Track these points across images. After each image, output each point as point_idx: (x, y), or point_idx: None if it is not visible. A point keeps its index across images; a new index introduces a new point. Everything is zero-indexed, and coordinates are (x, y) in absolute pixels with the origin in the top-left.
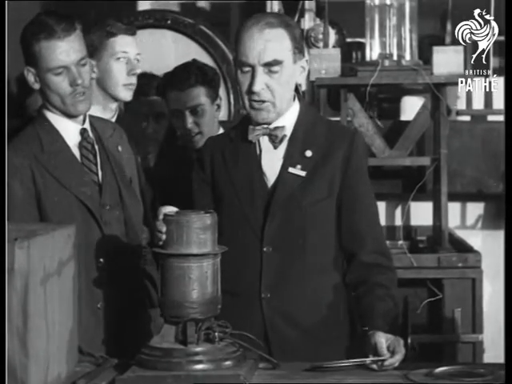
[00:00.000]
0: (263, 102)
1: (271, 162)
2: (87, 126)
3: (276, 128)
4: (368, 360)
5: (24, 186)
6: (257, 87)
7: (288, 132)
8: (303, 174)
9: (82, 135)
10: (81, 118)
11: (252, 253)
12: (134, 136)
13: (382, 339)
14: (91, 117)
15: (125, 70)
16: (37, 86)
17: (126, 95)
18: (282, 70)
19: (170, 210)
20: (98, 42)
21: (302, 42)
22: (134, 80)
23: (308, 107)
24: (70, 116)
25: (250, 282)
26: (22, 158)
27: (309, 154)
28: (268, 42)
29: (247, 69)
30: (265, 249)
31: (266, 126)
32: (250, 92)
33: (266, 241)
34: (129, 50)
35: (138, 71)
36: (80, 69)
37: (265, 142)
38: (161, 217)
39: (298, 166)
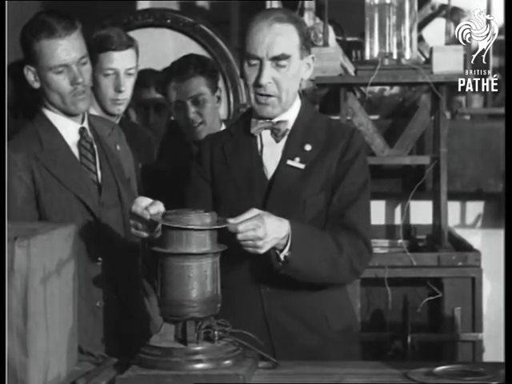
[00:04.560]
0: (269, 96)
1: (272, 155)
2: (86, 124)
3: (279, 122)
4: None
5: (23, 184)
6: (264, 80)
7: (290, 126)
8: (302, 166)
9: (80, 134)
10: (80, 116)
11: None
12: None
13: (254, 210)
14: (90, 115)
15: (112, 86)
16: (37, 85)
17: (115, 110)
18: (289, 65)
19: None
20: (90, 55)
21: (309, 39)
22: (122, 96)
23: (308, 104)
24: (69, 115)
25: (250, 275)
26: (21, 156)
27: (308, 147)
28: (277, 36)
29: (255, 62)
30: None
31: (268, 119)
32: (257, 85)
33: None
34: (116, 66)
35: (123, 88)
36: (80, 67)
37: (266, 135)
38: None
39: (297, 159)
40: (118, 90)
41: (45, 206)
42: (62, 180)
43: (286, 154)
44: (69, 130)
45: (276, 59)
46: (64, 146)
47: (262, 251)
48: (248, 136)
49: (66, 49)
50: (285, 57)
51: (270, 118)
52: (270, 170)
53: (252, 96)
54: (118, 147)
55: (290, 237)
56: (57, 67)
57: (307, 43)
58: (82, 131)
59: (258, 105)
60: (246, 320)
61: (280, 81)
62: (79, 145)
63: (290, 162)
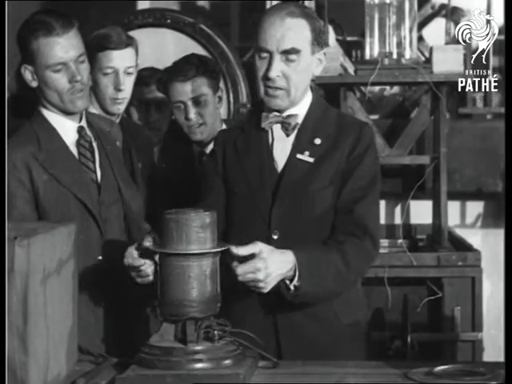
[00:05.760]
0: (278, 89)
1: (282, 149)
2: (84, 123)
3: (289, 116)
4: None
5: (22, 185)
6: (273, 73)
7: (300, 120)
8: (311, 160)
9: (79, 133)
10: (78, 115)
11: (260, 239)
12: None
13: (258, 245)
14: (88, 113)
15: (111, 85)
16: (34, 84)
17: (114, 109)
18: (299, 59)
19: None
20: (89, 54)
21: (322, 35)
22: (121, 95)
23: (319, 98)
24: (67, 113)
25: None
26: (19, 157)
27: (318, 141)
28: (288, 31)
29: (265, 55)
30: (273, 236)
31: (279, 114)
32: (266, 78)
33: (273, 225)
34: (116, 65)
35: (123, 87)
36: (78, 65)
37: (277, 130)
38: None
39: (307, 153)
40: (117, 89)
41: (44, 206)
42: (61, 180)
43: (296, 147)
44: (67, 130)
45: (286, 53)
46: (62, 145)
47: (265, 291)
48: (259, 131)
49: (64, 47)
50: (295, 51)
51: (279, 111)
52: (280, 164)
53: (262, 89)
54: (117, 143)
55: (297, 267)
56: (55, 65)
57: (319, 39)
58: (80, 130)
59: (267, 97)
60: (254, 313)
61: (289, 75)
62: (78, 144)
63: (299, 156)
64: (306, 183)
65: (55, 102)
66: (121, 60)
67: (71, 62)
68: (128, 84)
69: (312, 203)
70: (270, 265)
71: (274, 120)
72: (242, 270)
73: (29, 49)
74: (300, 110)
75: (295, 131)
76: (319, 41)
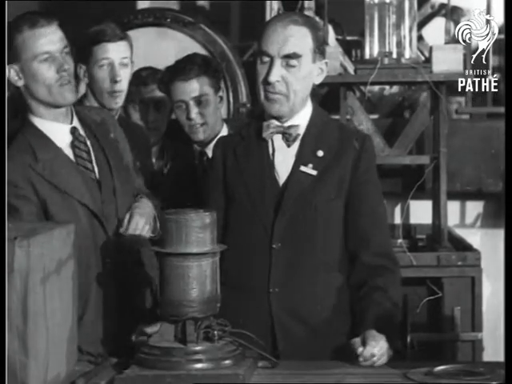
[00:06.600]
0: (277, 94)
1: (283, 160)
2: (76, 123)
3: (290, 126)
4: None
5: (28, 201)
6: (273, 78)
7: (301, 131)
8: (314, 173)
9: (72, 134)
10: (68, 117)
11: (261, 249)
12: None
13: (357, 338)
14: (76, 107)
15: (107, 77)
16: (20, 83)
17: (112, 103)
18: (300, 66)
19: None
20: (85, 49)
21: (324, 45)
22: (118, 87)
23: (320, 109)
24: (57, 107)
25: (259, 277)
26: (18, 172)
27: (320, 153)
28: (290, 37)
29: (266, 59)
30: (274, 245)
31: (280, 124)
32: (266, 82)
33: (275, 237)
34: (111, 56)
35: (119, 78)
36: (65, 56)
37: (278, 140)
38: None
39: (310, 165)
40: (113, 81)
41: (53, 214)
42: (63, 188)
43: (299, 159)
44: (60, 134)
45: (287, 57)
46: (58, 152)
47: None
48: (259, 140)
49: (50, 37)
50: (296, 56)
51: (278, 117)
52: (281, 175)
53: (261, 93)
54: (111, 135)
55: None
56: (42, 54)
57: (321, 48)
58: (73, 131)
59: (267, 101)
60: (253, 320)
61: (289, 80)
62: (72, 145)
63: (303, 168)
64: (310, 196)
65: (43, 96)
66: (116, 52)
67: (57, 52)
68: (124, 76)
69: (315, 216)
70: (380, 340)
71: (275, 130)
72: (378, 352)
73: (13, 45)
74: (301, 120)
75: (297, 142)
76: (321, 50)
